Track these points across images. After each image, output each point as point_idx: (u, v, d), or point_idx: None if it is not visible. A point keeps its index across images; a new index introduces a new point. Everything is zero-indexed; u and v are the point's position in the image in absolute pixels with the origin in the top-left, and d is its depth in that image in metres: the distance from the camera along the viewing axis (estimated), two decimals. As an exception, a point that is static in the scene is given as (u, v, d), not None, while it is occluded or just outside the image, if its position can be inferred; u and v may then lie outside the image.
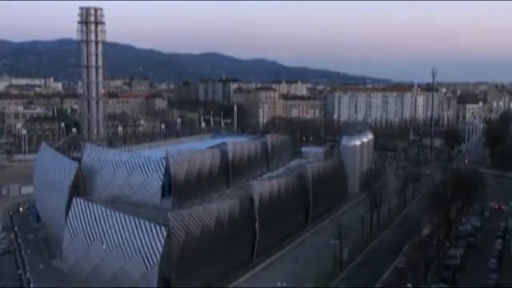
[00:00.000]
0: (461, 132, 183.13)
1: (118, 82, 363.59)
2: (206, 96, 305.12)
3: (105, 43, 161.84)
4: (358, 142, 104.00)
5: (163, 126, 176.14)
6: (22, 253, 66.57)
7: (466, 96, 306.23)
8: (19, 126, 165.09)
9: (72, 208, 55.75)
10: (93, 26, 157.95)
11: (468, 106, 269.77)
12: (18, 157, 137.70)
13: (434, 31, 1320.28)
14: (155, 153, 72.63)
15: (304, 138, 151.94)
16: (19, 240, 72.02)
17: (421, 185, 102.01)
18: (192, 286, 51.60)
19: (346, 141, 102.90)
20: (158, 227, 49.59)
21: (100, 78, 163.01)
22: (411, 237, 70.24)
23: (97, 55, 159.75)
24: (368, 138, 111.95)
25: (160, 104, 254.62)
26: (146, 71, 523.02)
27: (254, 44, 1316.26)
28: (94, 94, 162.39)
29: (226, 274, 56.86)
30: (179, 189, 66.08)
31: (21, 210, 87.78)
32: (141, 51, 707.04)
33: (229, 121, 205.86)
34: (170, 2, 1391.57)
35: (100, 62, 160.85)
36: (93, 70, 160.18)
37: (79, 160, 70.37)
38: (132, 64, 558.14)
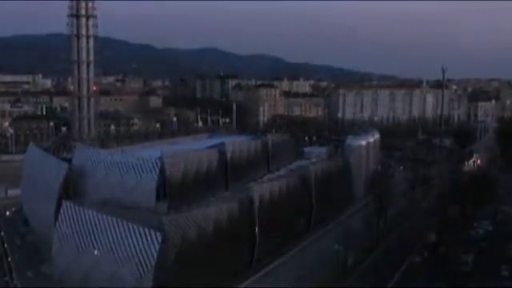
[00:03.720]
0: (472, 131, 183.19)
1: (111, 79, 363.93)
2: (203, 93, 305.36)
3: (96, 38, 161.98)
4: (363, 142, 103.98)
5: (158, 125, 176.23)
6: (9, 259, 66.45)
7: (477, 93, 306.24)
8: (6, 124, 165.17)
9: (61, 211, 55.72)
10: (84, 20, 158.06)
11: (480, 103, 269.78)
12: (4, 157, 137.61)
13: (444, 26, 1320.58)
14: (150, 153, 72.46)
15: (306, 138, 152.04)
16: (6, 245, 71.81)
17: (430, 187, 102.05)
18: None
19: (350, 140, 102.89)
20: (152, 232, 49.53)
21: (91, 75, 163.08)
22: (419, 242, 70.27)
23: (88, 50, 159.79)
24: (374, 137, 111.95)
25: (155, 102, 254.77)
26: (140, 67, 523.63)
27: (254, 39, 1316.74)
28: (85, 92, 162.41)
29: (224, 281, 56.81)
30: (175, 191, 66.03)
31: (7, 213, 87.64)
32: (135, 46, 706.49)
33: (227, 120, 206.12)
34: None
35: (91, 58, 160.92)
36: (84, 66, 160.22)
37: (69, 161, 70.36)
38: (125, 60, 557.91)
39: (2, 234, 77.04)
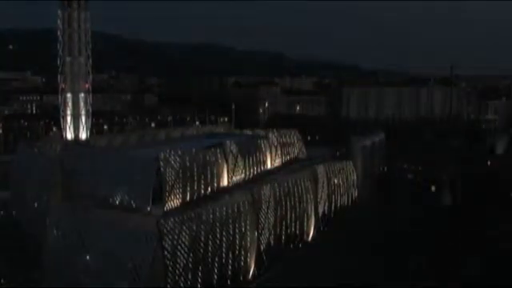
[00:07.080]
0: (482, 130, 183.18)
1: (104, 76, 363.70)
2: (200, 91, 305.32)
3: (89, 33, 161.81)
4: (368, 143, 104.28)
5: (153, 124, 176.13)
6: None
7: (487, 91, 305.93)
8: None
9: (52, 214, 55.83)
10: (76, 14, 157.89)
11: (490, 101, 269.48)
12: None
13: (453, 21, 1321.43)
14: (145, 153, 72.64)
15: (309, 138, 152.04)
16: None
17: (437, 188, 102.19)
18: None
19: (355, 141, 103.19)
20: (147, 235, 49.66)
21: (83, 71, 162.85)
22: (427, 246, 70.36)
23: (80, 46, 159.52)
24: (379, 137, 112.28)
25: (150, 100, 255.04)
26: (135, 63, 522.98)
27: (254, 34, 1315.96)
28: (76, 89, 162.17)
29: (223, 286, 57.00)
30: (171, 192, 66.13)
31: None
32: (129, 41, 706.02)
33: (226, 118, 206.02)
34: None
35: (83, 54, 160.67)
36: (75, 63, 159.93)
37: (61, 161, 70.42)
38: (119, 55, 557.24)
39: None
